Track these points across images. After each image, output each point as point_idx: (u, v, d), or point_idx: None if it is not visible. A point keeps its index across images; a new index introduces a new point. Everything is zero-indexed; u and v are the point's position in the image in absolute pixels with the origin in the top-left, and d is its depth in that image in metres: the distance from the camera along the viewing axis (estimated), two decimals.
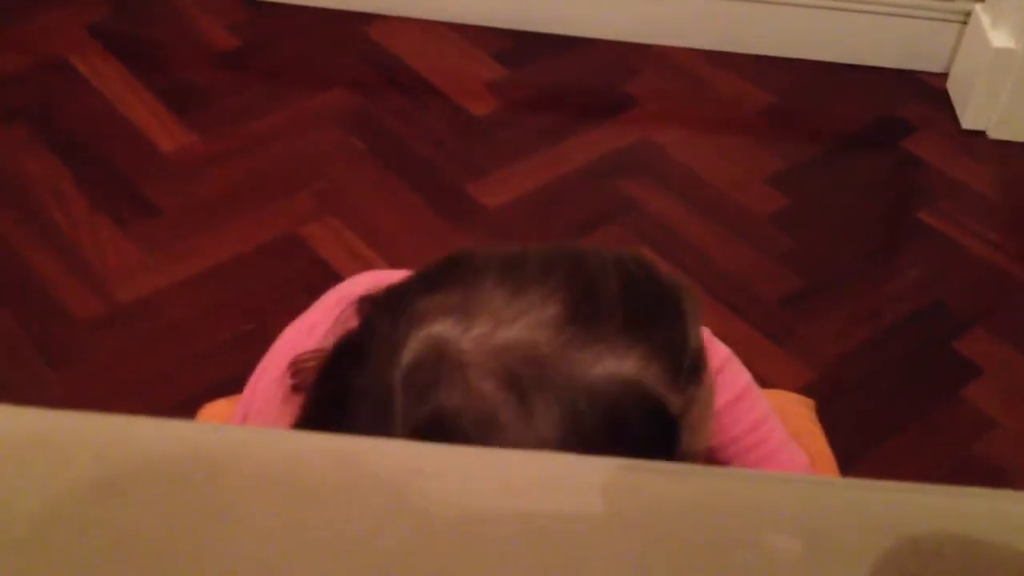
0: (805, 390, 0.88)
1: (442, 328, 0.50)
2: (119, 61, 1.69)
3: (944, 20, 1.75)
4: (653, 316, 0.53)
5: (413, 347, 0.50)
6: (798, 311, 1.42)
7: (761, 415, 0.73)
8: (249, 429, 0.46)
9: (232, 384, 0.83)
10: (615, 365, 0.50)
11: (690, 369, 0.53)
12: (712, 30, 1.79)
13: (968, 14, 1.72)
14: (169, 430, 0.37)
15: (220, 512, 0.34)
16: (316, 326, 0.68)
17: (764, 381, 0.90)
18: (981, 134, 1.69)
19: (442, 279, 0.53)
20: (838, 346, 1.38)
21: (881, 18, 1.75)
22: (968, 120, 1.69)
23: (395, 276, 0.57)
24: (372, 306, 0.54)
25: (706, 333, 0.68)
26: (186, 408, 0.84)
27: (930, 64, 1.79)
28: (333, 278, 1.39)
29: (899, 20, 1.75)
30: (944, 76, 1.78)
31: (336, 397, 0.53)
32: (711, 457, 0.72)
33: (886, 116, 1.72)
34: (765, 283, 1.45)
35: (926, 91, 1.76)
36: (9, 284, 1.37)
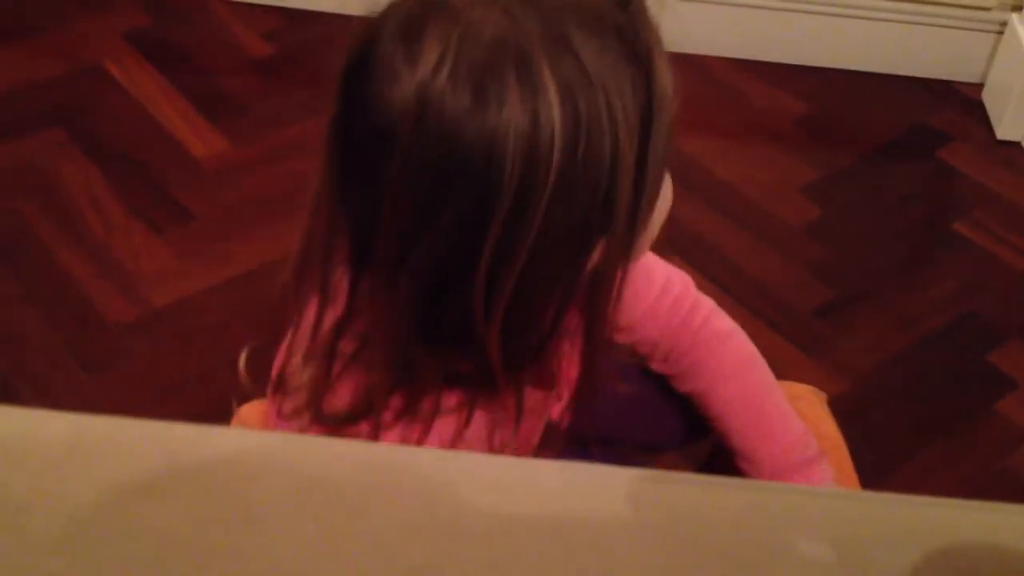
0: (837, 401, 0.87)
1: None
2: (154, 67, 1.71)
3: (980, 30, 1.73)
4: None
5: (405, 8, 0.56)
6: (831, 322, 1.41)
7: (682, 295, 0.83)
8: (283, 436, 0.47)
9: (265, 387, 0.84)
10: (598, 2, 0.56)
11: (652, 27, 0.60)
12: (744, 38, 1.79)
13: (1004, 24, 1.71)
14: (203, 435, 0.37)
15: (254, 517, 0.34)
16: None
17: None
18: (1016, 145, 1.67)
19: None
20: (871, 358, 1.37)
21: (916, 27, 1.74)
22: (1004, 131, 1.68)
23: None
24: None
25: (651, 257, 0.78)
26: (220, 411, 0.84)
27: (965, 74, 1.77)
28: None
29: (934, 29, 1.74)
30: (980, 86, 1.76)
31: (349, 97, 0.58)
32: (658, 348, 0.79)
33: (921, 126, 1.71)
34: (798, 294, 1.44)
35: (961, 101, 1.75)
36: (44, 288, 1.38)
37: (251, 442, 0.38)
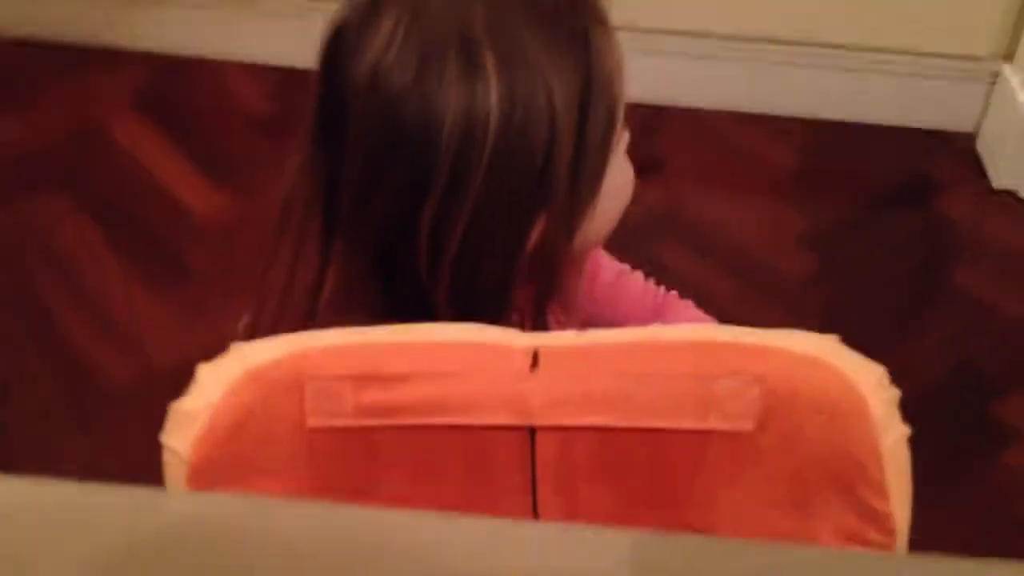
0: None
1: None
2: (155, 126, 1.73)
3: (972, 80, 1.75)
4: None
5: None
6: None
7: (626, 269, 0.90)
8: (275, 501, 0.47)
9: None
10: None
11: (599, 9, 0.62)
12: (739, 91, 1.81)
13: (996, 74, 1.72)
14: (195, 502, 0.37)
15: None
16: None
17: None
18: (1012, 193, 1.68)
19: None
20: None
21: (909, 78, 1.76)
22: (999, 179, 1.69)
23: None
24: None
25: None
26: None
27: (959, 124, 1.79)
28: None
29: (927, 80, 1.76)
30: (973, 136, 1.78)
31: (326, 70, 0.61)
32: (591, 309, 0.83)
33: (916, 176, 1.72)
34: None
35: (956, 151, 1.76)
36: (44, 348, 1.39)
37: (243, 507, 0.38)
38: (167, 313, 1.44)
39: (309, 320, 0.65)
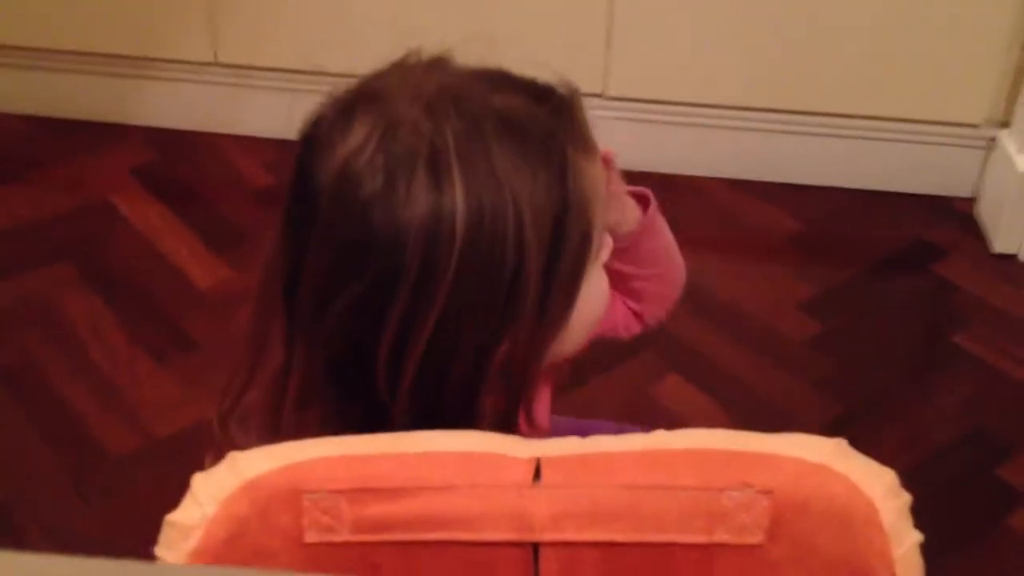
0: None
1: (372, 81, 0.61)
2: (158, 201, 1.74)
3: (969, 146, 1.76)
4: (548, 86, 0.63)
5: (348, 99, 0.61)
6: (838, 438, 1.40)
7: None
8: (278, 575, 0.46)
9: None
10: (513, 100, 0.60)
11: (580, 132, 0.62)
12: (738, 159, 1.82)
13: (992, 139, 1.74)
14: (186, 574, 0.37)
15: None
16: None
17: None
18: (1012, 257, 1.69)
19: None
20: None
21: (906, 145, 1.78)
22: (999, 244, 1.69)
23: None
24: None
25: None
26: None
27: (958, 189, 1.80)
28: None
29: (924, 147, 1.77)
30: (972, 201, 1.79)
31: (298, 162, 0.62)
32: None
33: (916, 241, 1.73)
34: (802, 410, 1.44)
35: (955, 216, 1.77)
36: (46, 419, 1.38)
37: None
38: (169, 383, 1.44)
39: (274, 413, 0.64)
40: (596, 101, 1.78)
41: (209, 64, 1.83)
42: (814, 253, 1.70)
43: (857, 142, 1.78)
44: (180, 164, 1.83)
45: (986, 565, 1.27)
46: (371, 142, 0.57)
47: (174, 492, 1.41)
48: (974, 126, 1.74)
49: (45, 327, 1.51)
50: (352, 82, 0.62)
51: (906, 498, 0.55)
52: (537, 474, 0.51)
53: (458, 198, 0.55)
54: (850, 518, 0.52)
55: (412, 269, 0.55)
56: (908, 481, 1.45)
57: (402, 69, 0.62)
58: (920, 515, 1.38)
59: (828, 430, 1.40)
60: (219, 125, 1.89)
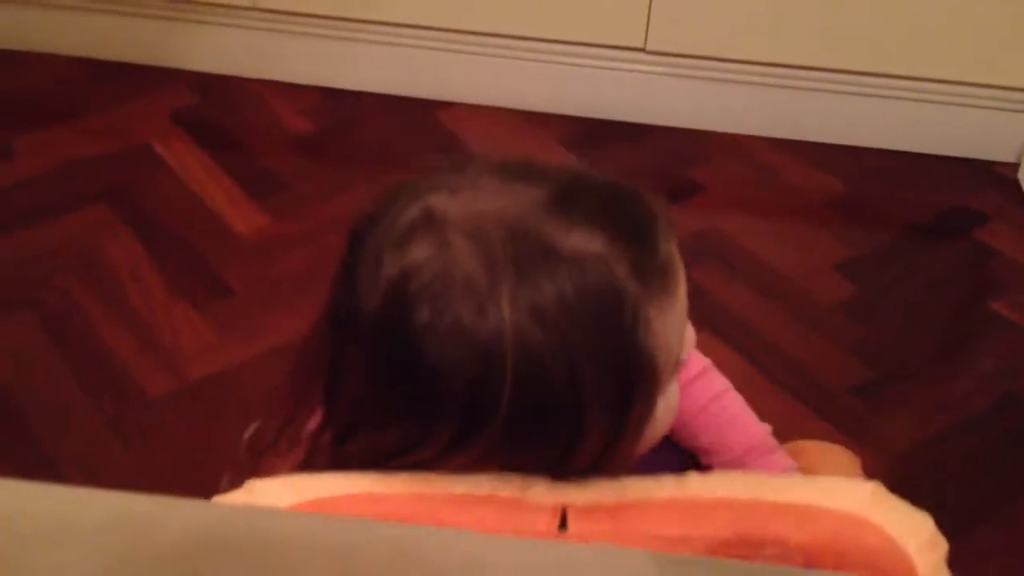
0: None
1: (435, 200, 0.56)
2: (198, 146, 1.75)
3: (1015, 110, 1.74)
4: (629, 212, 0.58)
5: (408, 214, 0.56)
6: (868, 402, 1.40)
7: (721, 388, 0.82)
8: (312, 515, 0.47)
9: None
10: (583, 242, 0.54)
11: (658, 273, 0.57)
12: (780, 118, 1.80)
13: None
14: (239, 514, 0.38)
15: None
16: None
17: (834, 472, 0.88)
18: None
19: (441, 172, 0.59)
20: (909, 439, 1.36)
21: (951, 108, 1.75)
22: None
23: None
24: (383, 190, 0.60)
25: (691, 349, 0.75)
26: None
27: (1002, 153, 1.77)
28: None
29: (969, 110, 1.75)
30: (1016, 166, 1.76)
31: (346, 267, 0.59)
32: (683, 431, 0.80)
33: (957, 206, 1.71)
34: (834, 373, 1.43)
35: (998, 181, 1.75)
36: (84, 362, 1.40)
37: (282, 521, 0.39)
38: (206, 328, 1.45)
39: (309, 455, 0.63)
40: (637, 55, 1.77)
41: (249, 9, 1.83)
42: (853, 215, 1.69)
43: (901, 103, 1.76)
44: (220, 110, 1.83)
45: (1017, 532, 1.27)
46: (425, 271, 0.54)
47: (209, 433, 1.44)
48: (1020, 90, 1.71)
49: (84, 270, 1.53)
50: (410, 184, 0.59)
51: (943, 549, 0.53)
52: (563, 522, 0.49)
53: (507, 335, 0.52)
54: (886, 571, 0.51)
55: (455, 406, 0.53)
56: (940, 446, 1.46)
57: (469, 185, 0.57)
58: (951, 482, 1.39)
59: (859, 395, 1.40)
60: (259, 71, 1.89)
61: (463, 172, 0.58)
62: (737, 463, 0.80)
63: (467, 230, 0.54)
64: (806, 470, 0.81)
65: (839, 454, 0.87)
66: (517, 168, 0.58)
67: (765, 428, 0.82)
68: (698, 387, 0.82)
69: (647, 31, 1.74)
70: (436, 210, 0.56)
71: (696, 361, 0.83)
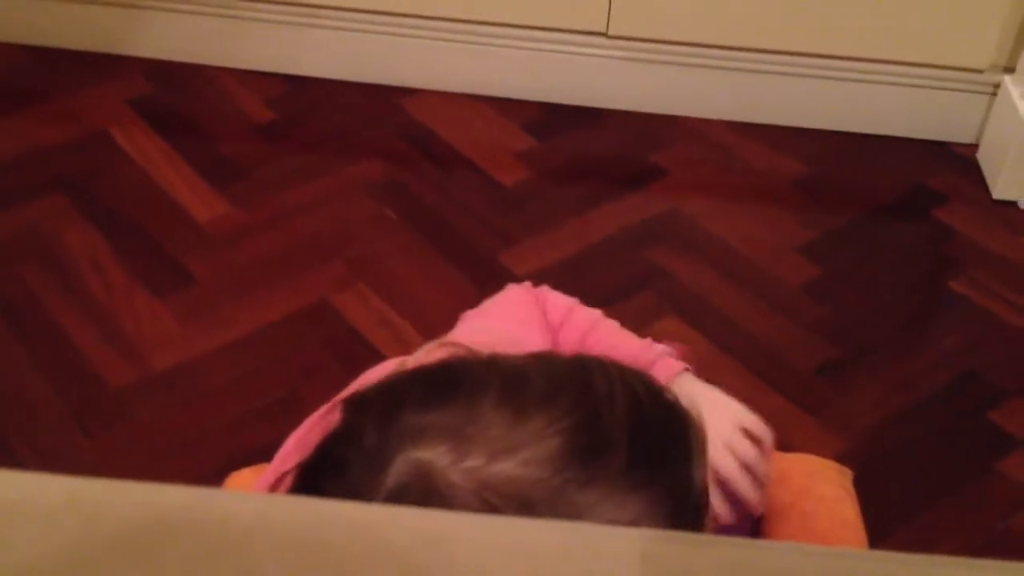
0: (839, 461, 0.87)
1: (433, 455, 0.47)
2: (158, 134, 1.73)
3: (973, 91, 1.75)
4: (659, 456, 0.50)
5: (399, 469, 0.47)
6: (832, 381, 1.41)
7: (591, 321, 0.79)
8: (276, 498, 0.47)
9: (264, 452, 0.84)
10: (613, 512, 0.47)
11: (692, 511, 0.50)
12: (740, 101, 1.81)
13: (997, 85, 1.73)
14: (198, 498, 0.37)
15: None
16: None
17: (798, 451, 0.89)
18: (1012, 204, 1.69)
19: (438, 393, 0.50)
20: (872, 417, 1.37)
21: (910, 89, 1.76)
22: (999, 190, 1.69)
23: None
24: (358, 410, 0.51)
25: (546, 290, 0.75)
26: (218, 475, 0.84)
27: (960, 135, 1.79)
28: (363, 346, 1.40)
29: (928, 92, 1.76)
30: (975, 147, 1.78)
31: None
32: None
33: (917, 186, 1.72)
34: (798, 353, 1.44)
35: (957, 161, 1.77)
36: (45, 352, 1.39)
37: (245, 504, 0.38)
38: (168, 317, 1.44)
39: None
40: (599, 40, 1.77)
41: None
42: (814, 197, 1.70)
43: (860, 85, 1.77)
44: (179, 97, 1.82)
45: (977, 508, 1.28)
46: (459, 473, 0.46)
47: (170, 424, 1.43)
48: (979, 71, 1.73)
49: (43, 260, 1.51)
50: (386, 410, 0.50)
51: None
52: None
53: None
54: None
55: None
56: (902, 423, 1.47)
57: (467, 429, 0.48)
58: (913, 458, 1.40)
59: (823, 374, 1.41)
60: (218, 58, 1.87)
61: (459, 401, 0.49)
62: None
63: (476, 506, 0.46)
64: (792, 503, 0.78)
65: (827, 468, 0.84)
66: (521, 389, 0.49)
67: (644, 343, 0.78)
68: (568, 329, 0.79)
69: (609, 15, 1.74)
70: (437, 476, 0.47)
71: (561, 303, 0.81)
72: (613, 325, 0.81)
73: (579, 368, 0.51)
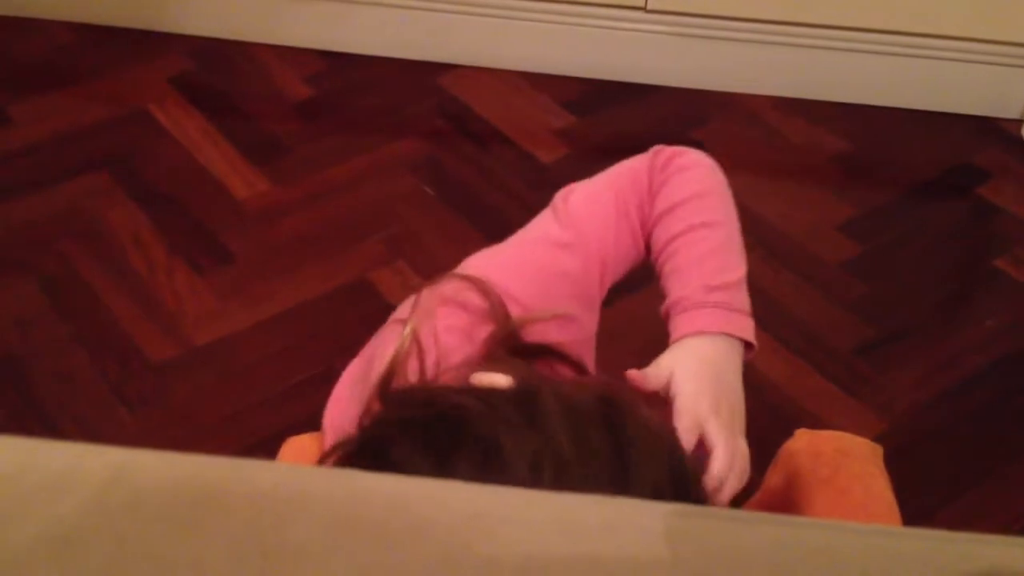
0: (879, 441, 0.86)
1: None
2: (198, 112, 1.74)
3: (1019, 66, 1.72)
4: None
5: None
6: (872, 361, 1.40)
7: (699, 221, 0.82)
8: (318, 470, 0.47)
9: (302, 426, 0.84)
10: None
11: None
12: (782, 77, 1.79)
13: None
14: (239, 469, 0.38)
15: (289, 553, 0.34)
16: (373, 359, 0.69)
17: (837, 429, 0.88)
18: None
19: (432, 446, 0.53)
20: (913, 397, 1.36)
21: (955, 64, 1.74)
22: None
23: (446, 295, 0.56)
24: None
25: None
26: (257, 450, 0.85)
27: (1006, 111, 1.76)
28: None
29: (975, 67, 1.73)
30: (1020, 122, 1.75)
31: None
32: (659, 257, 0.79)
33: (961, 163, 1.70)
34: (838, 332, 1.43)
35: (1003, 138, 1.74)
36: (87, 327, 1.41)
37: (287, 476, 0.39)
38: (207, 293, 1.45)
39: None
40: (638, 15, 1.75)
41: None
42: (856, 174, 1.68)
43: (904, 60, 1.75)
44: (220, 75, 1.82)
45: (1019, 489, 1.27)
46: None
47: (210, 399, 1.45)
48: None
49: (85, 237, 1.53)
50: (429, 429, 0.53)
51: None
52: None
53: None
54: None
55: None
56: (943, 403, 1.45)
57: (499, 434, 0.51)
58: (954, 439, 1.38)
59: (863, 353, 1.40)
60: (258, 35, 1.88)
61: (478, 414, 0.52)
62: (669, 308, 0.79)
63: None
64: (827, 479, 0.78)
65: (857, 446, 0.83)
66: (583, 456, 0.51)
67: (717, 282, 0.80)
68: (679, 214, 0.82)
69: None
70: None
71: (692, 183, 0.83)
72: (718, 237, 0.84)
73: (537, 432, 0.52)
